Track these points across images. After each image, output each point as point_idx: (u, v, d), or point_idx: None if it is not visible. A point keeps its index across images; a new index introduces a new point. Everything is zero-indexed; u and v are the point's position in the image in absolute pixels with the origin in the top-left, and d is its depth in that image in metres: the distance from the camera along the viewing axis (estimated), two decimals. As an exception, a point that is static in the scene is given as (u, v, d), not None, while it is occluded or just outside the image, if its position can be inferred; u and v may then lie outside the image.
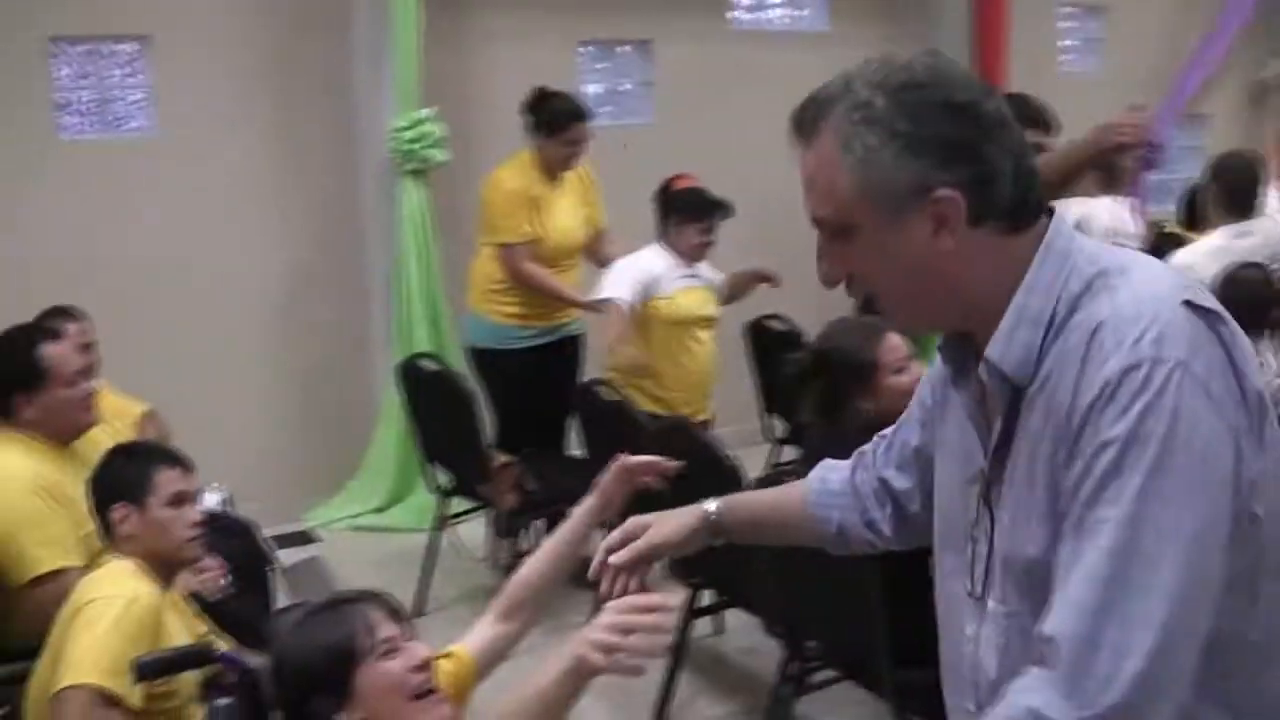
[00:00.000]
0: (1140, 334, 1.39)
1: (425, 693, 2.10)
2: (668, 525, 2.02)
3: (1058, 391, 1.45)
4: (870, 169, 1.47)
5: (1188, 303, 1.43)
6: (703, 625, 4.52)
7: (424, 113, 6.01)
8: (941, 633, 1.73)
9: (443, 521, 5.23)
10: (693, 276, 5.12)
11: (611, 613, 1.93)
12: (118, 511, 2.93)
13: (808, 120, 1.52)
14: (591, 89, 6.86)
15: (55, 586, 3.20)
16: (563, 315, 5.40)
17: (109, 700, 2.66)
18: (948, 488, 1.69)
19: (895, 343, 3.39)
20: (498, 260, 5.26)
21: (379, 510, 6.25)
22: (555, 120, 5.20)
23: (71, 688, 2.66)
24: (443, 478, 5.21)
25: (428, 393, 5.17)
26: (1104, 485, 1.38)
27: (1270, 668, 1.50)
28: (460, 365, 5.40)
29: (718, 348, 5.25)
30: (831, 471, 2.01)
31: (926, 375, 1.84)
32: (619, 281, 4.98)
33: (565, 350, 5.46)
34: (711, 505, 2.02)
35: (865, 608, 3.15)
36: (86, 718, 2.64)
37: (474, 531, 5.44)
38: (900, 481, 1.92)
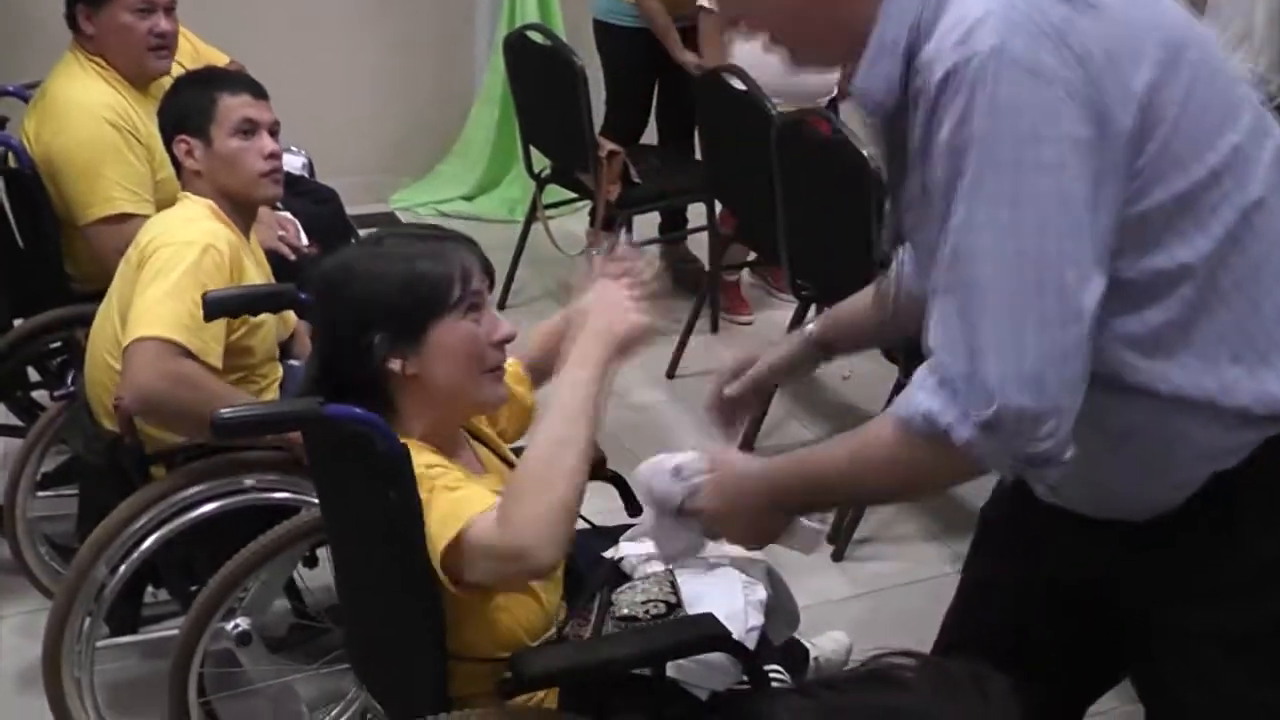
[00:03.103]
0: (955, 36, 1.37)
1: (495, 368, 1.94)
2: (777, 352, 2.03)
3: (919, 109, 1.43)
4: None
5: None
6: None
7: None
8: None
9: (535, 210, 4.94)
10: None
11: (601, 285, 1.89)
12: (182, 145, 2.68)
13: None
14: None
15: (120, 231, 3.00)
16: (688, 4, 4.86)
17: (184, 353, 2.43)
18: None
19: None
20: None
21: (468, 199, 6.00)
22: None
23: (144, 339, 2.41)
24: (541, 163, 4.94)
25: (534, 69, 4.83)
26: (948, 194, 1.38)
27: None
28: (571, 42, 4.98)
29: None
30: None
31: None
32: None
33: (689, 40, 4.94)
34: (811, 326, 2.03)
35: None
36: (160, 368, 2.40)
37: (563, 226, 5.14)
38: None
